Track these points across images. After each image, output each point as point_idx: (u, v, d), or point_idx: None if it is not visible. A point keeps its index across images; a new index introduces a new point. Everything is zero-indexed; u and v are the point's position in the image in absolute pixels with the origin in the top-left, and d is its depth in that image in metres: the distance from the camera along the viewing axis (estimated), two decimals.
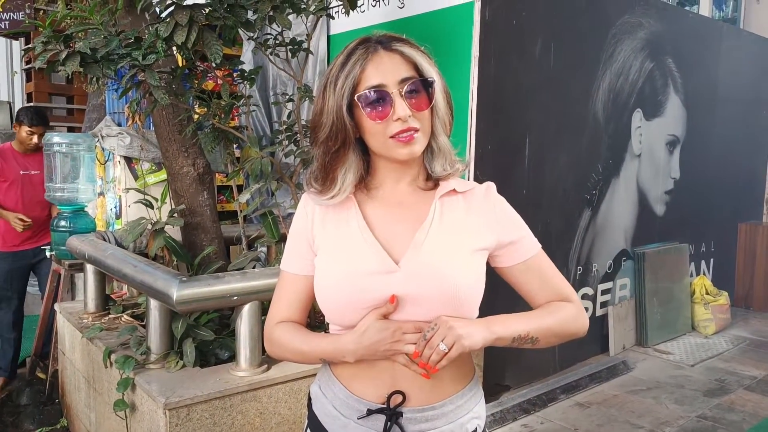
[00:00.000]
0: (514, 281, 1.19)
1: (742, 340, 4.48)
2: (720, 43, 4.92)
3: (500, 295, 1.29)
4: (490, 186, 1.19)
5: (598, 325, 4.03)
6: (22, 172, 3.70)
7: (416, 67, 1.08)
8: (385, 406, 1.10)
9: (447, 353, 1.01)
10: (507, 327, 1.08)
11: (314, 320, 2.68)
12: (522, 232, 1.18)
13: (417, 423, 1.11)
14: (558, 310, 1.16)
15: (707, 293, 4.63)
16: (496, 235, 1.15)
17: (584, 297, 3.91)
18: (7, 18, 6.20)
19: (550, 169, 3.58)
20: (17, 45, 7.20)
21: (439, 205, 1.13)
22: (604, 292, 4.06)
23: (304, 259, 1.18)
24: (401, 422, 1.10)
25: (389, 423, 1.09)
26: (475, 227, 1.14)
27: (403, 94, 1.05)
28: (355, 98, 1.06)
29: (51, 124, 6.44)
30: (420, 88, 1.07)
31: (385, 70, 1.05)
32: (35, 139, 3.67)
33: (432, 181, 1.16)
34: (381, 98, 1.05)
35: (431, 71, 1.08)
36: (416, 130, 1.06)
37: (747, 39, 5.38)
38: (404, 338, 1.04)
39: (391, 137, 1.06)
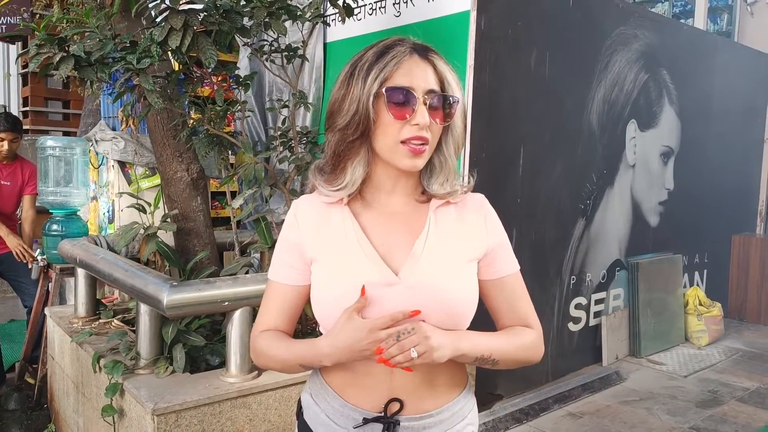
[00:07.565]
0: (485, 295, 1.19)
1: (735, 351, 4.47)
2: (714, 55, 4.95)
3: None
4: (483, 197, 1.21)
5: (591, 335, 4.02)
6: None
7: (442, 83, 1.09)
8: (381, 414, 1.09)
9: (413, 359, 1.00)
10: (474, 347, 1.08)
11: (306, 327, 2.67)
12: (505, 249, 1.19)
13: (414, 431, 1.10)
14: (522, 336, 1.16)
15: (701, 304, 4.63)
16: (485, 247, 1.16)
17: (577, 307, 3.91)
18: (4, 22, 6.22)
19: (545, 178, 3.58)
20: (14, 50, 7.21)
21: (434, 215, 1.14)
22: (597, 302, 4.06)
23: (294, 270, 1.16)
24: (398, 431, 1.09)
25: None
26: (468, 237, 1.14)
27: (426, 104, 1.06)
28: (383, 90, 1.05)
29: (47, 128, 6.45)
30: (442, 103, 1.08)
31: (416, 76, 1.06)
32: (6, 145, 3.56)
33: (427, 195, 1.15)
34: (407, 100, 1.05)
35: (457, 91, 1.10)
36: (426, 143, 1.07)
37: (741, 52, 5.42)
38: (380, 335, 1.02)
39: (402, 142, 1.06)
